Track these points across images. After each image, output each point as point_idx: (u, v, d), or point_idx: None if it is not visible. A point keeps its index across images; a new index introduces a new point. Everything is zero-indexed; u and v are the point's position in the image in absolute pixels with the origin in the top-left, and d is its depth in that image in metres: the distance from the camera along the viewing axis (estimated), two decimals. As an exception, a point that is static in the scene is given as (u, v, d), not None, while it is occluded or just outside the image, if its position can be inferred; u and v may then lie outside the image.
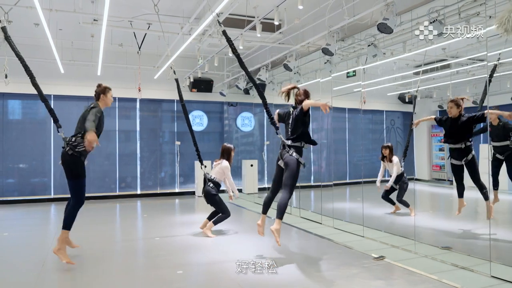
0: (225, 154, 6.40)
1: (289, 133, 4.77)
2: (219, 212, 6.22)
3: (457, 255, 4.88)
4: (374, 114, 13.24)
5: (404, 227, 6.63)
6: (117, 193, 10.60)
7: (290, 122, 4.79)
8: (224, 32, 5.14)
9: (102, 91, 4.83)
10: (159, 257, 5.05)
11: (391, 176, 7.35)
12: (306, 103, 4.58)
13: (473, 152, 5.63)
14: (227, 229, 6.53)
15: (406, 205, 7.24)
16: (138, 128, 11.05)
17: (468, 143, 5.60)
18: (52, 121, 4.79)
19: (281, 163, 4.75)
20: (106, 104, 4.85)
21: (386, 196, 7.44)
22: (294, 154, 4.63)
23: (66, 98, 10.21)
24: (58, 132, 4.65)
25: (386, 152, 7.33)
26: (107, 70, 9.78)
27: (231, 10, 6.06)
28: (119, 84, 10.49)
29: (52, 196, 10.03)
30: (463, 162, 5.65)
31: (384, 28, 5.03)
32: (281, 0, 6.10)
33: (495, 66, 6.04)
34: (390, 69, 10.25)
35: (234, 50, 5.12)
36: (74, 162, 4.50)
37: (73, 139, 4.53)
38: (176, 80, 6.63)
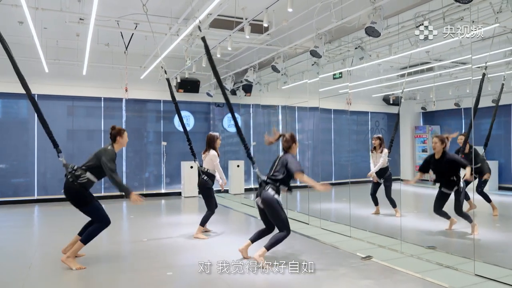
0: (210, 143, 6.31)
1: (271, 171, 4.72)
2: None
3: (441, 254, 5.00)
4: (359, 115, 13.42)
5: (390, 227, 6.74)
6: (102, 193, 10.46)
7: (276, 163, 4.76)
8: (203, 39, 5.14)
9: (118, 133, 4.80)
10: (148, 258, 5.04)
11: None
12: (301, 179, 4.58)
13: (462, 183, 5.79)
14: (215, 229, 6.54)
15: (393, 204, 7.36)
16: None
17: (457, 177, 5.77)
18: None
19: (258, 200, 4.67)
20: (122, 145, 4.87)
21: (374, 193, 7.56)
22: (270, 190, 4.55)
23: (51, 98, 10.05)
24: (59, 157, 4.64)
25: (377, 142, 7.44)
26: (92, 69, 9.67)
27: (220, 11, 6.06)
28: (104, 84, 10.42)
29: (35, 197, 9.86)
30: (453, 191, 5.82)
31: (372, 32, 5.12)
32: (270, 2, 6.15)
33: (484, 75, 6.23)
34: (375, 71, 10.41)
35: (210, 59, 5.15)
36: (76, 192, 4.53)
37: (77, 169, 4.55)
38: (168, 80, 6.62)
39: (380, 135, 7.59)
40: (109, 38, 8.69)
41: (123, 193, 4.59)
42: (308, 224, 7.03)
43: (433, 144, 5.82)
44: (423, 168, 6.06)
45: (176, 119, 11.49)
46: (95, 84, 10.34)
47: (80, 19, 7.09)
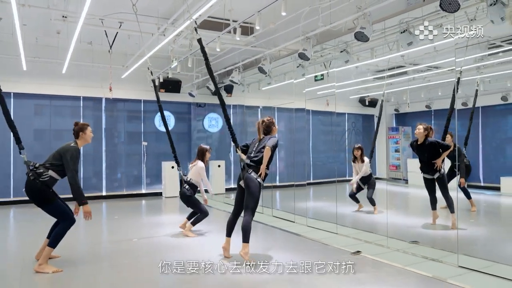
0: (199, 154, 6.46)
1: (252, 153, 4.86)
2: (197, 213, 6.30)
3: (425, 248, 5.29)
4: (336, 116, 13.74)
5: (374, 224, 7.02)
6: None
7: (256, 145, 4.91)
8: (199, 41, 5.20)
9: (80, 129, 4.71)
10: (141, 257, 5.06)
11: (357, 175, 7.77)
12: (266, 152, 4.67)
13: (443, 169, 6.24)
14: (203, 229, 6.60)
15: (373, 203, 7.67)
16: (103, 128, 10.78)
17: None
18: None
19: (242, 183, 4.80)
20: (86, 141, 4.77)
21: (353, 195, 7.82)
22: (253, 173, 4.69)
23: (28, 96, 9.79)
24: (20, 153, 4.52)
25: (358, 153, 7.70)
26: (72, 68, 9.46)
27: (210, 13, 6.14)
28: (84, 83, 10.25)
29: (11, 198, 9.56)
30: (435, 177, 6.26)
31: (361, 36, 5.35)
32: (258, 4, 6.28)
33: (459, 79, 6.60)
34: (354, 73, 10.74)
35: (206, 60, 5.18)
36: (38, 190, 4.39)
37: (39, 167, 4.42)
38: (153, 81, 6.61)
39: (361, 145, 7.86)
40: (92, 36, 8.56)
41: (76, 199, 4.42)
42: (294, 222, 7.20)
43: (417, 130, 6.22)
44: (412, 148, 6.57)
45: (157, 119, 11.44)
46: (74, 83, 10.14)
47: (63, 16, 6.98)
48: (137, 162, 11.21)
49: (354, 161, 7.83)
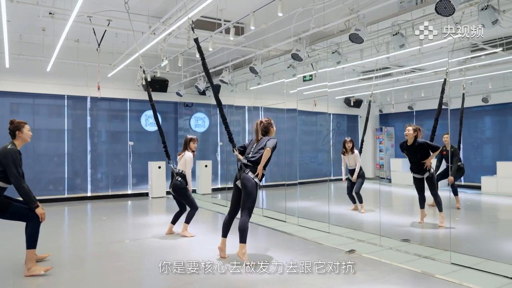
0: (184, 144, 6.39)
1: (249, 154, 4.85)
2: (183, 211, 6.25)
3: (417, 246, 5.40)
4: (323, 116, 13.88)
5: (364, 222, 7.12)
6: (66, 195, 10.07)
7: (254, 145, 4.90)
8: (196, 40, 5.16)
9: (16, 127, 4.35)
10: (135, 259, 5.01)
11: (349, 169, 7.86)
12: (265, 153, 4.65)
13: (432, 170, 6.41)
14: (194, 229, 6.55)
15: (360, 200, 7.77)
16: (88, 128, 10.58)
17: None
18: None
19: (238, 183, 4.79)
20: (24, 140, 4.41)
21: (350, 192, 7.92)
22: (250, 173, 4.68)
23: (9, 95, 9.51)
24: None
25: (350, 145, 7.78)
26: (56, 66, 9.24)
27: (203, 12, 6.11)
28: (69, 81, 10.04)
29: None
30: (424, 176, 6.42)
31: (355, 38, 5.42)
32: (252, 5, 6.29)
33: (445, 80, 6.78)
34: (341, 74, 10.88)
35: (203, 60, 5.14)
36: None
37: None
38: (146, 79, 6.52)
39: (351, 138, 7.96)
40: (78, 34, 8.38)
41: (27, 204, 4.22)
42: (285, 221, 7.23)
43: (406, 131, 6.33)
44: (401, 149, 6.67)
45: (143, 119, 11.32)
46: (59, 81, 9.92)
47: (50, 13, 6.82)
48: (123, 162, 11.04)
49: (344, 154, 7.91)
